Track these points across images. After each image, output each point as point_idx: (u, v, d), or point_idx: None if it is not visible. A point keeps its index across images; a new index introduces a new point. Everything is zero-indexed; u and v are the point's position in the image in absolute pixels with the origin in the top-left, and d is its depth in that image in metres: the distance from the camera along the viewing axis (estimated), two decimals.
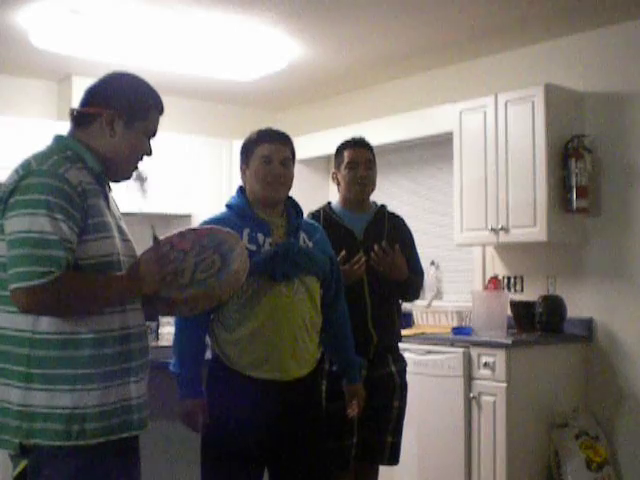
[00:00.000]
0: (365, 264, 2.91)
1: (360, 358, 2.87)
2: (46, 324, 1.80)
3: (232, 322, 2.47)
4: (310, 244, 2.61)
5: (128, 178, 2.06)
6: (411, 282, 3.09)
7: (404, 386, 3.10)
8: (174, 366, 2.54)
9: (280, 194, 2.60)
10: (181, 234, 2.08)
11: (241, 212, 2.57)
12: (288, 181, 2.61)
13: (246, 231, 2.51)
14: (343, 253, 2.89)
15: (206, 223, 2.45)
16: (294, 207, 2.68)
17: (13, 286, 1.75)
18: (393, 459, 3.09)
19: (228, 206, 2.64)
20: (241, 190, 2.67)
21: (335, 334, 2.73)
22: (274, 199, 2.59)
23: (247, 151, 2.63)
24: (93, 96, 1.99)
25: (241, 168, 2.66)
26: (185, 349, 2.54)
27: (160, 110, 2.06)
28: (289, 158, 2.61)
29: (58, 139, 1.96)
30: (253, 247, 2.47)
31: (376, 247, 2.90)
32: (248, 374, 2.45)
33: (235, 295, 2.39)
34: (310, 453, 2.56)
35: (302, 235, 2.61)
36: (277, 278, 2.47)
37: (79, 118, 1.98)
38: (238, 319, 2.46)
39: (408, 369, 3.18)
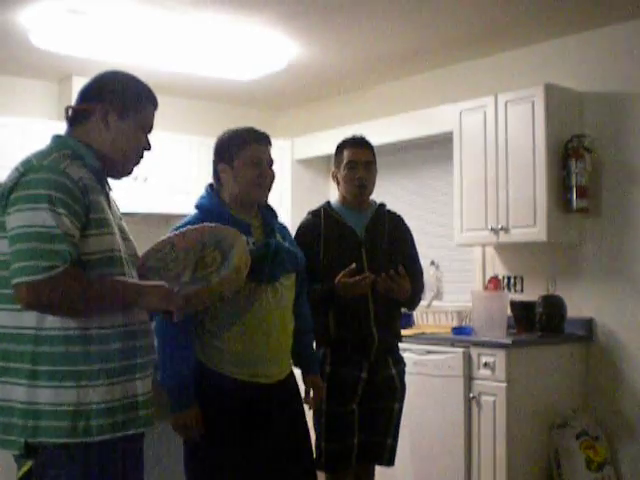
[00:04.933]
0: (370, 276, 2.84)
1: (318, 353, 2.87)
2: (51, 320, 1.79)
3: (219, 330, 2.44)
4: (286, 244, 2.61)
5: (129, 174, 2.06)
6: (412, 297, 3.04)
7: (403, 388, 3.11)
8: (163, 379, 2.39)
9: (266, 196, 2.61)
10: (182, 233, 2.09)
11: (217, 214, 2.47)
12: (272, 183, 2.62)
13: None
14: (353, 266, 2.84)
15: (177, 229, 2.31)
16: (267, 207, 2.65)
17: (16, 280, 1.73)
18: (391, 460, 3.10)
19: (198, 207, 2.56)
20: (211, 188, 2.61)
21: (300, 328, 2.68)
22: (260, 201, 2.59)
23: (230, 151, 2.55)
24: (86, 94, 2.01)
25: (219, 167, 2.58)
26: (173, 360, 2.39)
27: (154, 103, 2.07)
28: (272, 159, 2.61)
29: (57, 138, 1.96)
30: None
31: (383, 275, 2.84)
32: (234, 377, 2.45)
33: (222, 302, 2.35)
34: (296, 448, 2.58)
35: (277, 235, 2.61)
36: (263, 279, 2.44)
37: (74, 116, 1.99)
38: (225, 327, 2.44)
39: (408, 369, 3.19)
